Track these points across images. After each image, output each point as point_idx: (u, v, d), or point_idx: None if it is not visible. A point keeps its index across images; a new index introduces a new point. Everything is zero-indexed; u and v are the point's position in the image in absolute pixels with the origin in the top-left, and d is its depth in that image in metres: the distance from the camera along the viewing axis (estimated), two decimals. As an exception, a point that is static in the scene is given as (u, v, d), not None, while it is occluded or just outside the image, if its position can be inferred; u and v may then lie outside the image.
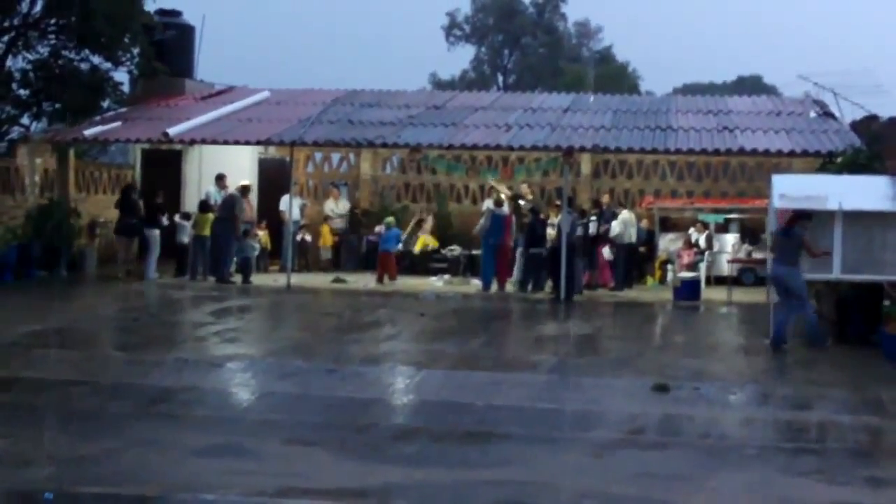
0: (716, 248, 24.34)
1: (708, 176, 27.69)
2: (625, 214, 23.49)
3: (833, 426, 10.73)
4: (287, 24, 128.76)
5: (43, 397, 11.32)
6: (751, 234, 24.61)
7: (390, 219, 24.38)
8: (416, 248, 25.91)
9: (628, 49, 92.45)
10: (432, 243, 26.14)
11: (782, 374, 13.60)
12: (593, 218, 23.14)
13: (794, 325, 15.46)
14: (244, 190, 23.59)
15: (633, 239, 23.36)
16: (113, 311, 18.18)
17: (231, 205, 22.68)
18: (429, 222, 26.65)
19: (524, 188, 25.02)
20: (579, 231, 21.47)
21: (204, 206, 23.25)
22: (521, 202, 23.53)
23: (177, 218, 23.64)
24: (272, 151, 27.46)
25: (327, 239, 26.47)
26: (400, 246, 25.02)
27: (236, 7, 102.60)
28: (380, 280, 23.13)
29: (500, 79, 64.64)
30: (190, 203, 25.40)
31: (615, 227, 22.96)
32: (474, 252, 24.08)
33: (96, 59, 25.81)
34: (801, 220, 15.11)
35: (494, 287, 22.09)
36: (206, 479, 8.21)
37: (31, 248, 21.94)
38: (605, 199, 25.21)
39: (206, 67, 54.88)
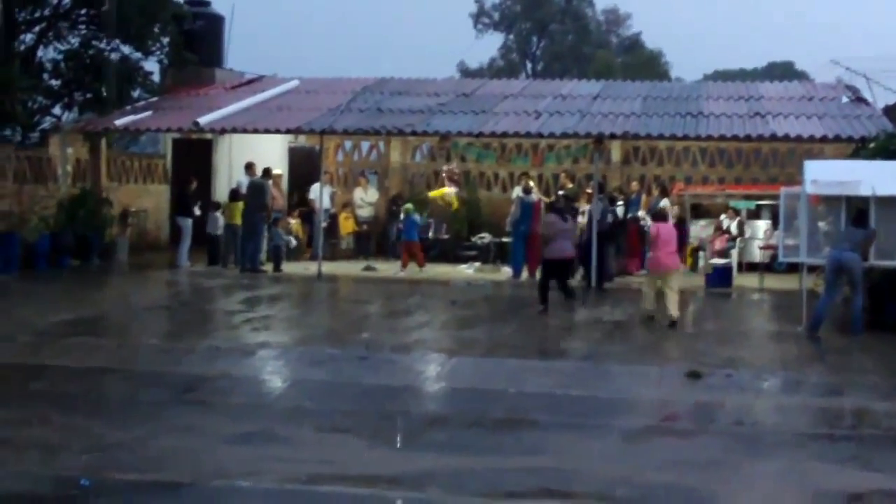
0: (747, 234, 24.19)
1: (739, 162, 27.53)
2: (665, 202, 23.39)
3: (867, 413, 10.66)
4: (315, 12, 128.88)
5: (76, 385, 11.39)
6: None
7: (408, 205, 24.26)
8: (431, 195, 25.72)
9: (658, 36, 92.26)
10: (453, 201, 25.89)
11: (815, 361, 13.52)
12: (620, 204, 23.05)
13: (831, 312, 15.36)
14: (266, 173, 23.31)
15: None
16: (145, 300, 18.28)
17: (262, 192, 22.60)
18: (454, 183, 26.41)
19: (563, 177, 24.92)
20: (609, 218, 21.40)
21: (235, 194, 23.29)
22: (560, 192, 23.38)
23: (208, 211, 23.59)
24: (302, 140, 27.51)
25: (346, 227, 26.40)
26: (430, 233, 25.11)
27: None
28: (404, 267, 23.08)
29: (528, 66, 64.49)
30: (220, 192, 25.49)
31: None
32: (504, 239, 24.04)
33: (127, 49, 25.96)
34: (865, 218, 15.03)
35: (525, 275, 22.04)
36: (239, 466, 8.25)
37: (64, 237, 22.07)
38: (634, 185, 25.09)
39: (236, 57, 54.99)
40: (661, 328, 15.65)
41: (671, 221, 18.96)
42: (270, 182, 23.08)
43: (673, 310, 15.70)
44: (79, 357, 12.72)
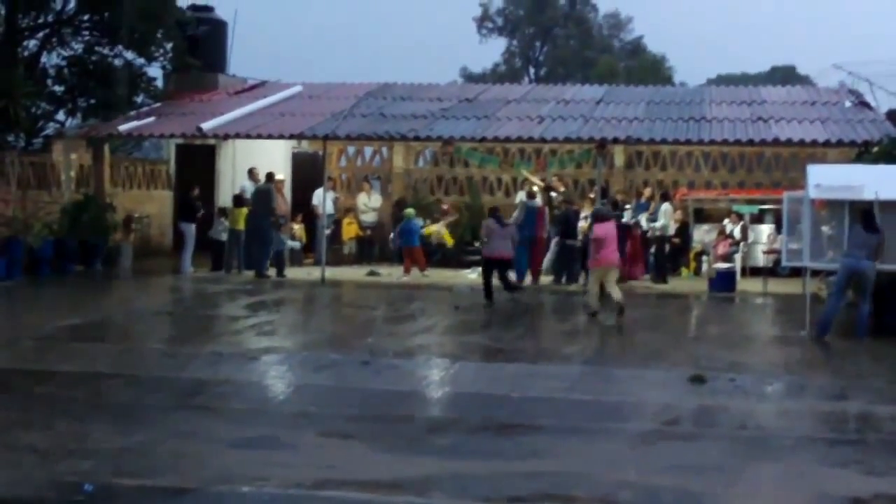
0: (751, 239, 24.19)
1: (742, 166, 27.56)
2: (667, 206, 23.34)
3: (871, 417, 10.65)
4: (318, 18, 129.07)
5: (81, 390, 11.39)
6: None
7: (409, 210, 24.26)
8: (426, 231, 25.73)
9: (661, 41, 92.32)
10: (446, 237, 25.98)
11: (819, 365, 13.52)
12: (627, 207, 23.08)
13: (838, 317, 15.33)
14: (269, 178, 23.40)
15: (670, 231, 23.28)
16: (149, 305, 18.29)
17: (268, 197, 22.67)
18: (450, 216, 26.50)
19: (555, 181, 24.93)
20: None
21: (238, 200, 23.31)
22: (553, 194, 23.48)
23: (212, 215, 23.66)
24: (305, 145, 27.52)
25: (349, 232, 26.38)
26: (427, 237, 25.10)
27: (268, 2, 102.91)
28: (406, 272, 23.09)
29: (532, 71, 64.49)
30: (224, 197, 25.52)
31: (661, 220, 22.86)
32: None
33: (130, 55, 26.00)
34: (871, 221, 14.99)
35: (528, 279, 22.04)
36: (243, 472, 8.25)
37: (67, 243, 22.09)
38: (647, 191, 24.90)
39: (239, 62, 55.10)
40: (668, 330, 15.61)
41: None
42: (274, 186, 23.14)
43: (617, 295, 16.86)
44: (82, 362, 12.73)
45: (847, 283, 15.12)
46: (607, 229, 17.45)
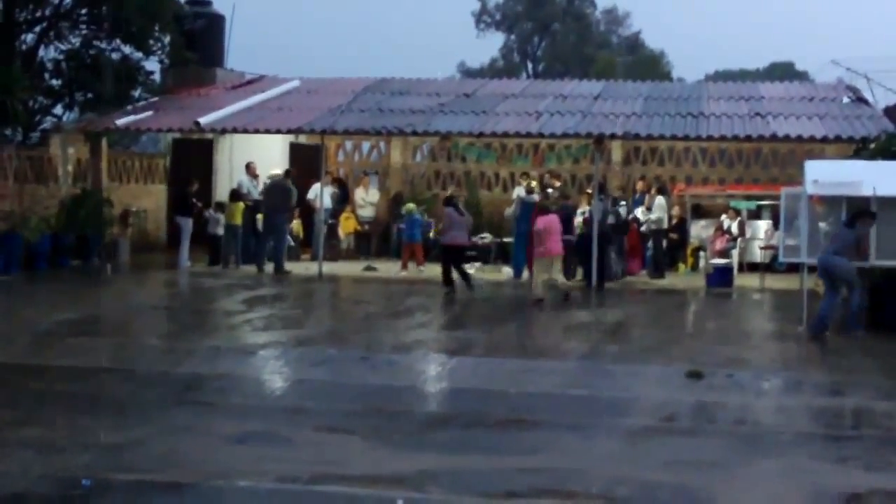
0: (748, 234, 24.20)
1: (740, 162, 27.53)
2: (661, 200, 23.31)
3: (868, 413, 10.66)
4: (316, 12, 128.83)
5: (77, 385, 11.39)
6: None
7: (410, 205, 24.22)
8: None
9: (658, 36, 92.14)
10: None
11: (816, 361, 13.51)
12: (623, 203, 23.05)
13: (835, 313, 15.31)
14: (287, 174, 23.46)
15: (665, 225, 23.26)
16: (146, 300, 18.28)
17: (286, 193, 22.67)
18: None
19: (549, 177, 24.91)
20: (611, 219, 21.37)
21: (235, 194, 23.29)
22: (549, 190, 23.45)
23: (209, 213, 23.61)
24: (303, 140, 27.49)
25: (347, 227, 26.36)
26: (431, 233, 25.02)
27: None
28: (404, 267, 23.06)
29: (530, 67, 64.48)
30: (222, 192, 25.49)
31: (656, 213, 22.84)
32: (505, 239, 24.01)
33: (127, 49, 25.98)
34: (865, 218, 14.96)
35: (525, 274, 22.02)
36: (240, 466, 8.24)
37: (65, 237, 22.08)
38: (640, 185, 24.95)
39: (237, 56, 55.08)
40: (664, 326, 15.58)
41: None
42: (290, 181, 23.14)
43: (562, 281, 18.96)
44: (80, 357, 12.71)
45: (826, 279, 15.15)
46: (549, 221, 18.43)
